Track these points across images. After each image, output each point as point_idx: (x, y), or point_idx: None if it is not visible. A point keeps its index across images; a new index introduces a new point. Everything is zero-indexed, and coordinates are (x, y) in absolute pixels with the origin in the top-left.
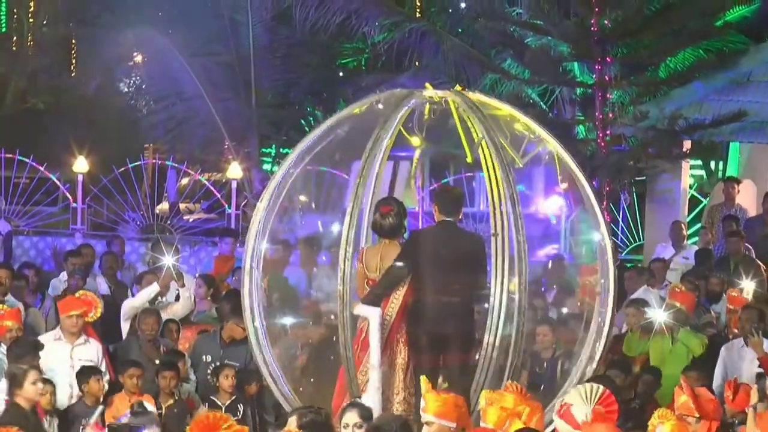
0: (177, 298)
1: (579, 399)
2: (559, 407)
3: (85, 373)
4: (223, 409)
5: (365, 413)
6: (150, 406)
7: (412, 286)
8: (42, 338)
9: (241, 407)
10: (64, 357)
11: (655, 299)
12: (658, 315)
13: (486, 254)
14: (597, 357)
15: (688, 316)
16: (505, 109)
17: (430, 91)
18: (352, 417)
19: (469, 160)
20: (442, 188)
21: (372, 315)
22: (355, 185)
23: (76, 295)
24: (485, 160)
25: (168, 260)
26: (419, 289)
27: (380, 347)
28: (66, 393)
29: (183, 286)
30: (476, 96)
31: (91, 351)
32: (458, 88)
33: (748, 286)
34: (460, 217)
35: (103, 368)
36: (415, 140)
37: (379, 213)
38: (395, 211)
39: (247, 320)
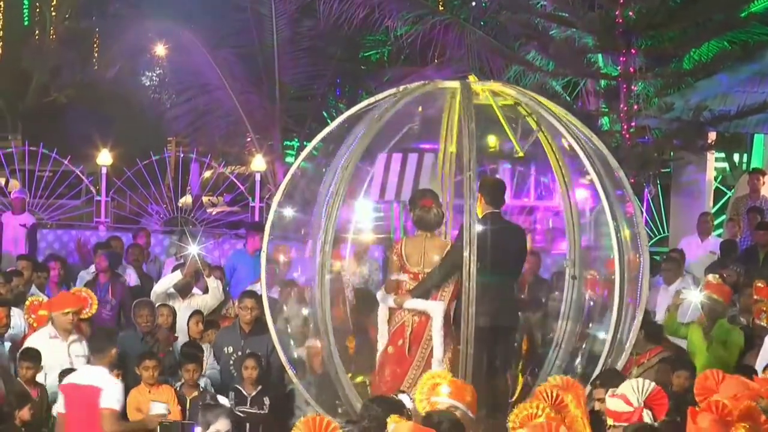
0: (206, 290)
1: (630, 391)
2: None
3: None
4: (249, 399)
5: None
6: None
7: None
8: (36, 336)
9: (267, 400)
10: (62, 354)
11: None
12: (695, 297)
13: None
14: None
15: (724, 306)
16: (552, 106)
17: (475, 84)
18: None
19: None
20: (488, 179)
21: (435, 309)
22: (467, 179)
23: (71, 291)
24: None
25: (194, 249)
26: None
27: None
28: None
29: (209, 276)
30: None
31: (85, 347)
32: (472, 78)
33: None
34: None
35: None
36: None
37: (421, 207)
38: (437, 204)
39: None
